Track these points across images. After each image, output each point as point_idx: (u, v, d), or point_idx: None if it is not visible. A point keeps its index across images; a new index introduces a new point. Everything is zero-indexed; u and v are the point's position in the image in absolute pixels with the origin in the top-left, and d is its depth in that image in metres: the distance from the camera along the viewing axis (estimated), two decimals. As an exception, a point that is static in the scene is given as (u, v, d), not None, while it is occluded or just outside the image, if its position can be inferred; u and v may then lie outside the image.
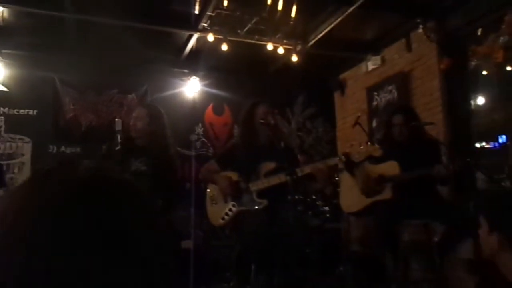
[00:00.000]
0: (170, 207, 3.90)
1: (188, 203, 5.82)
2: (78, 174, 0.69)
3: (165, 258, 0.70)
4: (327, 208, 5.73)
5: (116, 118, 3.79)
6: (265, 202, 3.66)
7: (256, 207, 3.68)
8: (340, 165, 4.79)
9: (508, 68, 5.16)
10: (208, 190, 3.99)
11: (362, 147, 3.49)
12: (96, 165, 0.71)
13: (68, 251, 0.62)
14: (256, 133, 3.84)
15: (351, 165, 4.30)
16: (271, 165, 3.71)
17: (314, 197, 5.77)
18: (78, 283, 0.61)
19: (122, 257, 0.64)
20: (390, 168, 4.12)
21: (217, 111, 7.64)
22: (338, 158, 3.64)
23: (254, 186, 3.73)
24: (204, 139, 7.30)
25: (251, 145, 3.83)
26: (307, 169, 3.55)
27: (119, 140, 3.60)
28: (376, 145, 3.54)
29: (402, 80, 6.39)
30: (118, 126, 3.66)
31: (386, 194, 4.11)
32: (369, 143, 3.54)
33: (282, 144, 3.58)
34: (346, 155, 3.53)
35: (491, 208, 1.81)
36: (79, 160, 0.74)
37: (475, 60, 5.03)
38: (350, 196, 4.42)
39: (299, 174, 3.49)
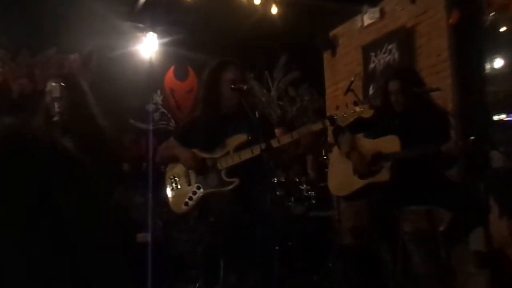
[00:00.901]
0: (109, 192, 3.87)
1: (144, 188, 5.80)
2: None
3: (91, 223, 0.73)
4: (312, 192, 5.77)
5: (53, 82, 3.70)
6: (236, 181, 3.68)
7: (226, 188, 3.70)
8: (330, 140, 4.81)
9: (531, 23, 5.19)
10: (167, 171, 3.98)
11: (349, 109, 3.50)
12: (16, 122, 0.74)
13: None
14: (221, 99, 3.84)
15: (337, 131, 4.32)
16: (242, 137, 3.72)
17: (297, 179, 5.80)
18: None
19: (39, 228, 0.67)
20: (389, 143, 4.14)
21: (180, 75, 7.59)
22: (320, 122, 3.62)
23: (223, 163, 3.74)
24: (163, 110, 7.26)
25: (216, 114, 3.83)
26: (284, 139, 3.56)
27: (56, 109, 3.56)
28: (366, 105, 3.54)
29: (405, 38, 6.40)
30: (56, 93, 3.61)
31: (384, 175, 4.14)
32: (358, 104, 3.54)
33: (257, 113, 3.57)
34: (331, 118, 3.53)
35: (502, 188, 1.82)
36: None
37: (491, 13, 5.04)
38: (340, 176, 4.45)
39: (275, 145, 3.50)
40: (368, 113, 3.49)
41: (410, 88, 4.12)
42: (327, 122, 3.59)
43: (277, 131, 5.90)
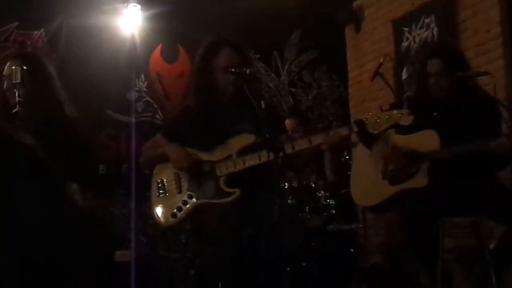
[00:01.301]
0: (77, 197, 3.89)
1: (124, 195, 5.80)
2: None
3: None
4: (332, 200, 5.76)
5: (13, 65, 3.72)
6: (237, 192, 3.68)
7: (223, 200, 3.69)
8: (354, 139, 4.81)
9: None
10: (154, 174, 3.99)
11: (383, 112, 3.49)
12: None
13: None
14: (217, 87, 3.86)
15: (367, 139, 4.31)
16: (248, 139, 3.74)
17: (312, 184, 5.79)
18: None
19: None
20: (426, 140, 4.13)
21: (168, 55, 7.59)
22: (347, 127, 3.63)
23: (223, 169, 3.75)
24: (148, 98, 7.26)
25: (212, 104, 3.84)
26: (300, 144, 3.57)
27: (17, 98, 3.57)
28: (405, 110, 3.53)
29: (445, 9, 6.39)
30: (17, 78, 3.63)
31: (420, 179, 4.13)
32: (394, 107, 3.53)
33: (263, 104, 3.55)
34: (360, 123, 3.53)
35: None
36: None
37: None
38: (366, 183, 4.45)
39: (289, 151, 3.51)
40: (406, 120, 3.50)
41: (454, 71, 4.11)
42: (355, 128, 3.60)
43: (288, 122, 5.90)
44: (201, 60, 3.91)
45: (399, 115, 3.51)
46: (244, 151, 3.72)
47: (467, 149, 3.91)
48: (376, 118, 3.53)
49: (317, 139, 3.61)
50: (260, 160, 3.61)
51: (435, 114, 4.18)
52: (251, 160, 3.66)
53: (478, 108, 4.13)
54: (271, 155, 3.40)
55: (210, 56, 3.86)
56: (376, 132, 3.58)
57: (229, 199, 3.68)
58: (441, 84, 4.16)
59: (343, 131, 3.63)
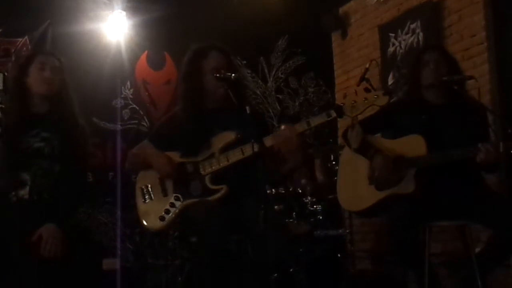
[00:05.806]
0: (75, 207, 3.89)
1: (111, 203, 5.78)
2: None
3: None
4: (319, 206, 5.76)
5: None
6: (224, 188, 3.69)
7: (211, 197, 3.70)
8: (341, 142, 4.78)
9: None
10: (138, 180, 3.99)
11: (359, 95, 3.48)
12: None
13: None
14: (206, 94, 3.86)
15: (346, 128, 4.32)
16: (229, 136, 3.74)
17: (299, 189, 5.78)
18: None
19: None
20: (413, 145, 4.11)
21: (155, 62, 7.55)
22: (325, 113, 3.60)
23: (207, 168, 3.75)
24: (134, 106, 7.23)
25: (199, 110, 3.84)
26: (284, 133, 3.57)
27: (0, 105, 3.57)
28: (380, 91, 3.52)
29: (431, 15, 6.42)
30: (-1, 84, 3.63)
31: (407, 185, 4.08)
32: (370, 91, 3.53)
33: (248, 109, 3.56)
34: (338, 109, 3.52)
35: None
36: None
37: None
38: (353, 188, 4.41)
39: (269, 144, 3.52)
40: (382, 101, 3.47)
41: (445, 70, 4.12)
42: (333, 113, 3.56)
43: (283, 128, 5.91)
44: (189, 66, 3.91)
45: (375, 96, 3.48)
46: (226, 148, 3.72)
47: (454, 155, 3.90)
48: (352, 101, 3.50)
49: (299, 128, 3.60)
50: (243, 154, 3.61)
51: (423, 117, 4.18)
52: (234, 156, 3.66)
53: (466, 113, 4.12)
54: (256, 147, 3.38)
55: (199, 61, 3.86)
56: (354, 115, 3.57)
57: (217, 195, 3.68)
58: (440, 70, 4.16)
59: (322, 117, 3.59)
